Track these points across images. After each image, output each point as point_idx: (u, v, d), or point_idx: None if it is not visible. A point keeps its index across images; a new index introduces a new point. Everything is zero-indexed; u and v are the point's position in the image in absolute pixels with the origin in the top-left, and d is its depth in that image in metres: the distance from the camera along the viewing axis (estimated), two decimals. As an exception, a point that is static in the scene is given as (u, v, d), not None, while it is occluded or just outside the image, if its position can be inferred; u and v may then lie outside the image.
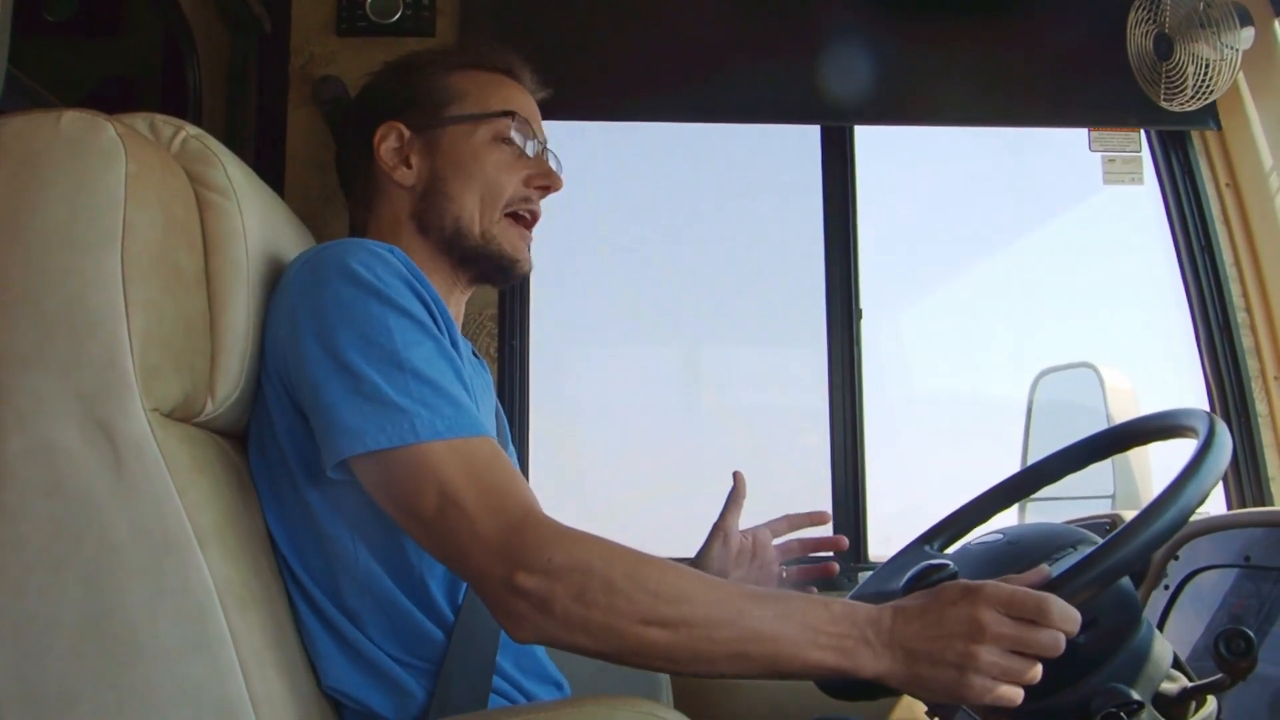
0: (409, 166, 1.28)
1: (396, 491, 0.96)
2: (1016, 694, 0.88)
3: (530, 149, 1.31)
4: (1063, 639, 0.88)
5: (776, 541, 1.42)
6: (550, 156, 1.36)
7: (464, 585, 1.10)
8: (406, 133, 1.29)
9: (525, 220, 1.31)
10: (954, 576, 0.98)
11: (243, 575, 0.96)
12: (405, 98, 1.31)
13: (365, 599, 1.06)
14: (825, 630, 0.90)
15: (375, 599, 1.06)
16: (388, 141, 1.29)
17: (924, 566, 1.01)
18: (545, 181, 1.30)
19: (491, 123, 1.28)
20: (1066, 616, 0.88)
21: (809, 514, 1.43)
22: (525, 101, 1.34)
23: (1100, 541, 0.95)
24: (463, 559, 0.94)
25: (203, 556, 0.91)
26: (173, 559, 0.90)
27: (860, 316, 2.11)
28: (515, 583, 0.89)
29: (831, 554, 1.51)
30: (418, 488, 0.94)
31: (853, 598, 1.12)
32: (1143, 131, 2.13)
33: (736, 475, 1.42)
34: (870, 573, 1.28)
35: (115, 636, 0.88)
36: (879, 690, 0.94)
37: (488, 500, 0.93)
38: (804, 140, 2.19)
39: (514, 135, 1.28)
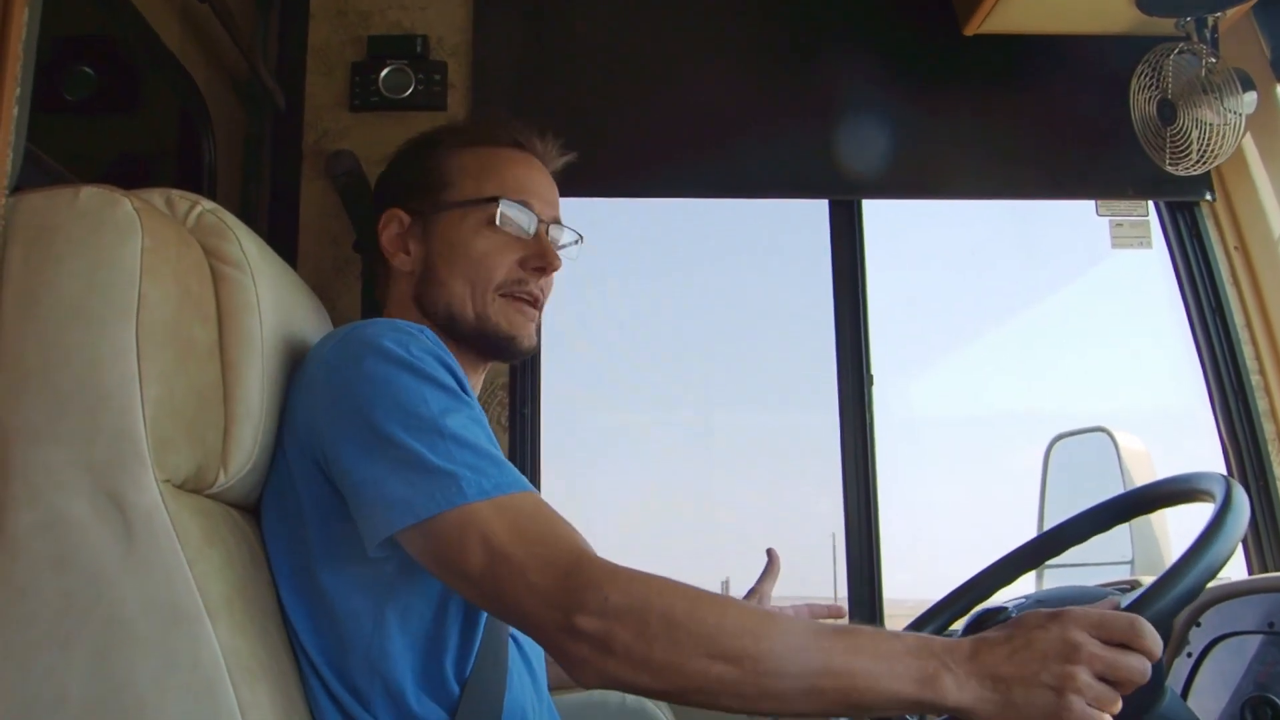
0: (407, 253, 1.30)
1: (444, 554, 0.95)
2: None
3: (529, 228, 1.29)
4: (1149, 666, 0.85)
5: None
6: (556, 230, 1.34)
7: (470, 663, 1.08)
8: (406, 219, 1.31)
9: (524, 299, 1.28)
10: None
11: (252, 647, 0.95)
12: (408, 183, 1.33)
13: (374, 680, 1.04)
14: (902, 660, 0.86)
15: (384, 680, 1.04)
16: (389, 229, 1.32)
17: (982, 610, 0.99)
18: (539, 264, 1.28)
19: (481, 208, 1.28)
20: (1155, 640, 0.85)
21: (828, 607, 1.44)
22: (528, 177, 1.32)
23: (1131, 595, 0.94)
24: (518, 611, 0.92)
25: (213, 629, 0.90)
26: (182, 632, 0.89)
27: (872, 383, 2.10)
28: (574, 626, 0.87)
29: None
30: (465, 547, 0.93)
31: None
32: (1150, 196, 2.15)
33: (771, 552, 1.45)
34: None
35: (124, 713, 0.87)
36: None
37: (536, 550, 0.92)
38: (813, 212, 2.21)
39: (500, 221, 1.27)
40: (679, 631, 0.86)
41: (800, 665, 0.86)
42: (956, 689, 0.85)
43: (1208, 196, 2.10)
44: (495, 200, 1.27)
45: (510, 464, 1.00)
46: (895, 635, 0.89)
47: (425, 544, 0.96)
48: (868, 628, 0.91)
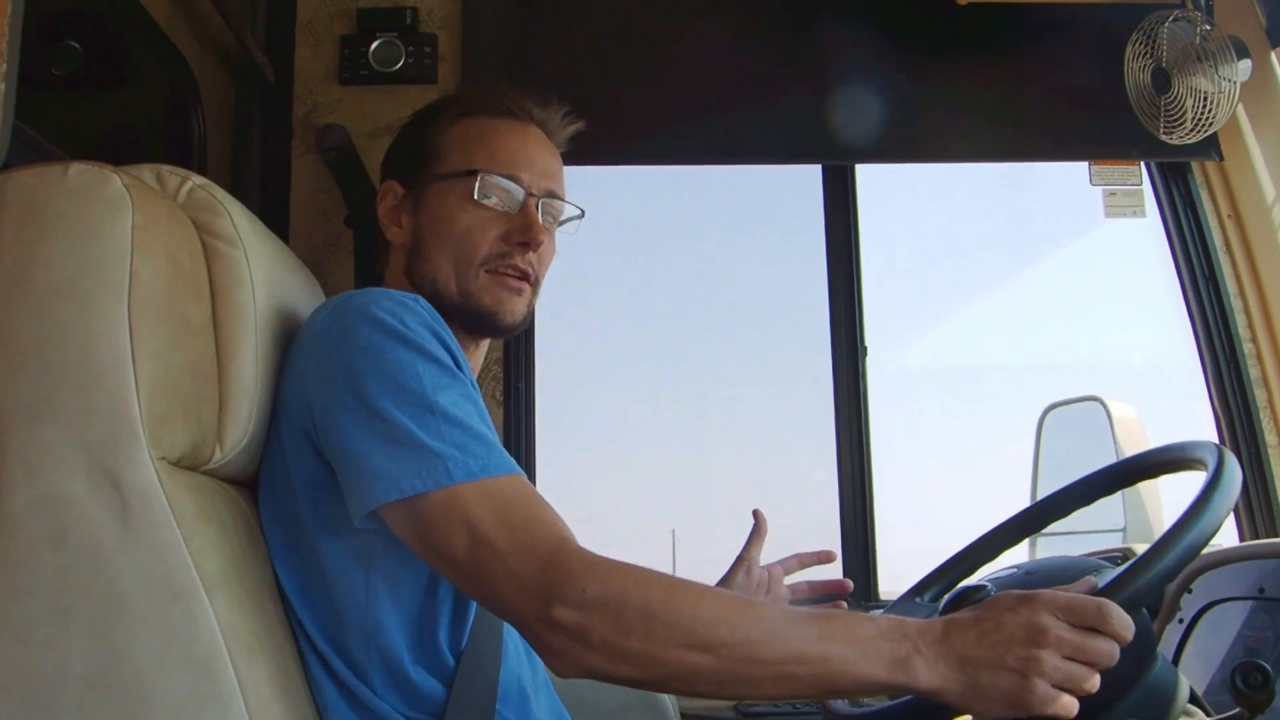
0: (400, 226, 1.29)
1: (428, 535, 0.95)
2: (1075, 706, 0.85)
3: (515, 200, 1.25)
4: (1118, 649, 0.86)
5: (786, 580, 1.43)
6: (552, 203, 1.29)
7: (465, 636, 1.09)
8: (400, 192, 1.30)
9: (509, 274, 1.24)
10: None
11: (250, 623, 0.96)
12: (404, 155, 1.33)
13: (371, 653, 1.05)
14: (874, 644, 0.87)
15: (381, 653, 1.05)
16: (386, 201, 1.31)
17: (962, 588, 1.00)
18: (522, 238, 1.23)
19: (463, 181, 1.24)
20: (1124, 623, 0.86)
21: (817, 553, 1.46)
22: (520, 148, 1.28)
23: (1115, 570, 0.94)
24: (498, 598, 0.93)
25: (210, 605, 0.90)
26: (180, 608, 0.89)
27: (865, 353, 2.11)
28: (552, 617, 0.88)
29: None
30: (449, 530, 0.93)
31: None
32: (1143, 164, 2.14)
33: (757, 513, 1.46)
34: (880, 611, 1.28)
35: (124, 688, 0.87)
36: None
37: (518, 537, 0.92)
38: (807, 180, 2.20)
39: (480, 195, 1.23)
40: (655, 623, 0.87)
41: (775, 652, 0.88)
42: (927, 671, 0.87)
43: (1213, 155, 2.08)
44: (475, 174, 1.24)
45: (499, 444, 1.00)
46: (868, 619, 0.90)
47: (409, 522, 0.96)
48: (842, 612, 0.93)
